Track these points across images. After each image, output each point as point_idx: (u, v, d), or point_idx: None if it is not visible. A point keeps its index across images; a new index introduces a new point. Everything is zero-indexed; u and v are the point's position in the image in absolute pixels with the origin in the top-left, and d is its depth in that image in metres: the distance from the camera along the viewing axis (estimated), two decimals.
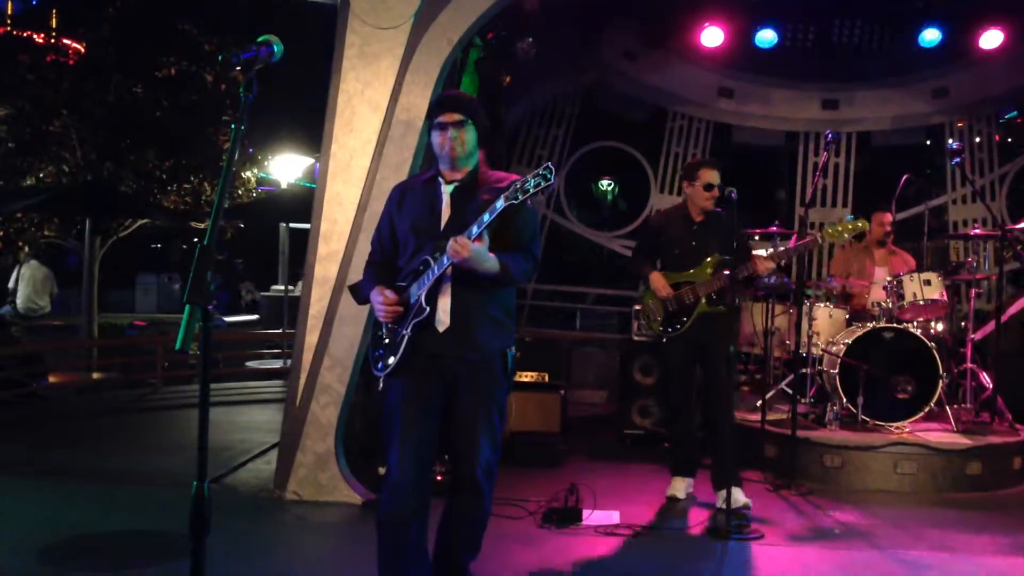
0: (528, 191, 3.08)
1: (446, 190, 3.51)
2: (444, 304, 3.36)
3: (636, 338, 7.52)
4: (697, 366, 5.62)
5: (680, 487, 5.61)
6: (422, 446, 3.35)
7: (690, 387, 5.63)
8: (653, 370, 7.29)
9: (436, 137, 3.46)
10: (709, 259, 5.41)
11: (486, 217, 3.19)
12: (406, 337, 3.35)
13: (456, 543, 3.53)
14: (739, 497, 5.24)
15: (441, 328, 3.35)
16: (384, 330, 3.49)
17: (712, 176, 5.42)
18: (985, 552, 4.77)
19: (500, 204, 3.15)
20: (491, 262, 3.27)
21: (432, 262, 3.34)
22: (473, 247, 3.17)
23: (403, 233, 3.55)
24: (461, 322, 3.36)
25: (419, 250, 3.44)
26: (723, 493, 5.09)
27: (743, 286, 5.78)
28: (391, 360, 3.40)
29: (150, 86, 13.18)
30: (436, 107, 3.52)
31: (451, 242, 3.17)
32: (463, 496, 3.48)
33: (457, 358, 3.36)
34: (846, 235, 5.38)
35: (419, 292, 3.35)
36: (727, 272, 5.22)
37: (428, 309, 3.31)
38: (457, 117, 3.44)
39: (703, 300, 5.38)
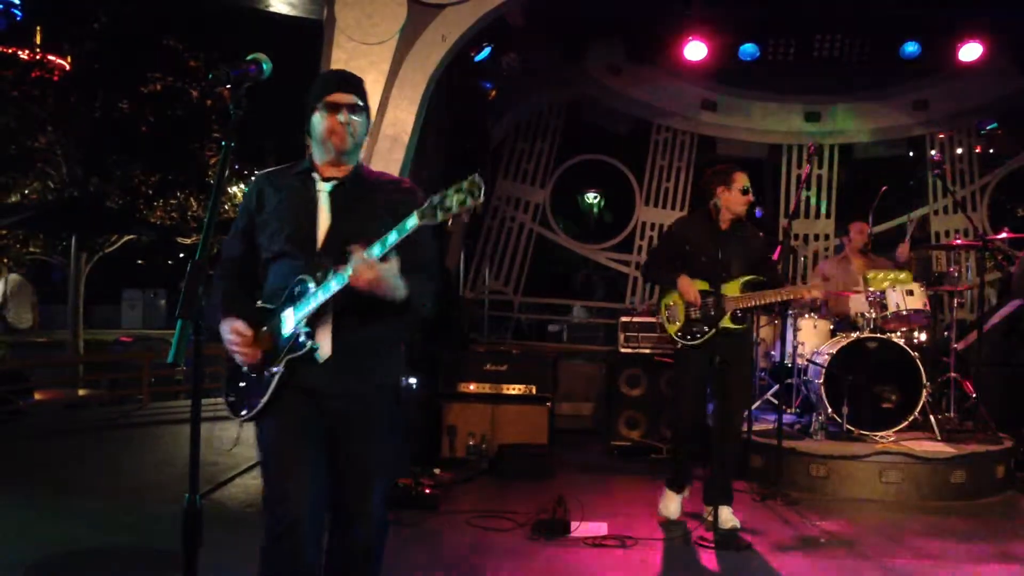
0: (450, 209, 2.47)
1: (323, 188, 2.91)
2: (325, 331, 2.79)
3: (623, 350, 7.56)
4: (711, 384, 5.37)
5: (674, 505, 5.42)
6: (314, 483, 2.78)
7: (702, 402, 5.41)
8: (640, 382, 7.33)
9: (323, 121, 2.86)
10: (744, 277, 5.17)
11: (392, 236, 2.59)
12: (278, 375, 2.77)
13: None
14: (729, 517, 5.15)
15: (321, 359, 2.79)
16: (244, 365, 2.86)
17: (747, 180, 5.20)
18: (969, 560, 4.81)
19: (412, 222, 2.54)
20: (400, 288, 2.70)
21: (313, 284, 2.73)
22: (381, 268, 2.61)
23: (267, 239, 2.92)
24: (345, 351, 2.80)
25: (290, 264, 2.85)
26: (713, 509, 5.02)
27: (776, 307, 5.64)
28: (257, 400, 2.81)
29: (136, 102, 13.19)
30: (325, 84, 2.91)
31: (355, 259, 2.59)
32: (350, 562, 2.90)
33: (341, 394, 2.82)
34: (885, 284, 5.36)
35: (297, 320, 2.75)
36: (776, 292, 5.13)
37: (311, 344, 2.74)
38: (353, 99, 2.89)
39: (728, 315, 5.14)
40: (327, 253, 2.79)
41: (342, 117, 2.85)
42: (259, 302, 2.90)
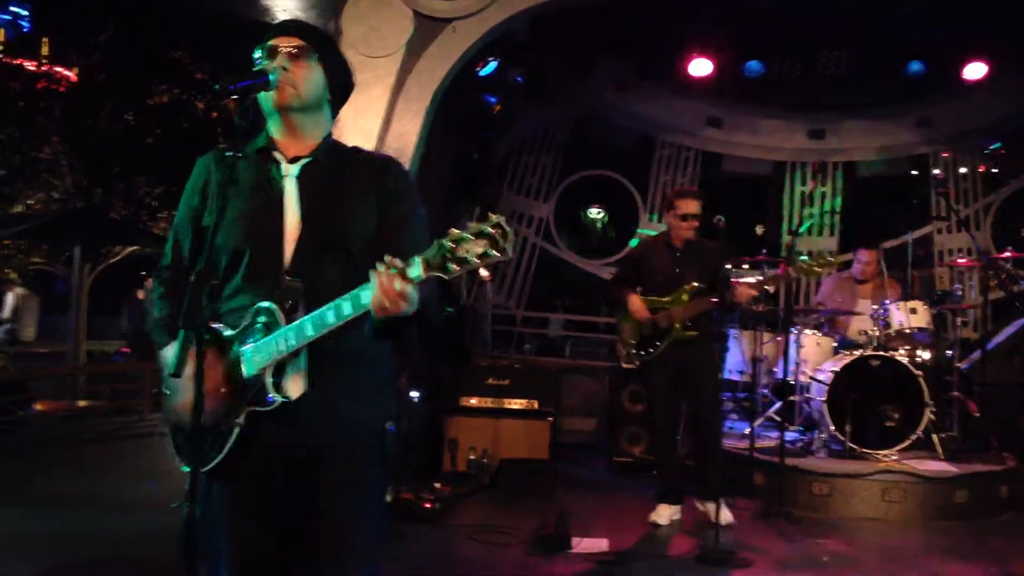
0: (465, 261, 1.89)
1: (289, 172, 2.29)
2: (296, 371, 2.18)
3: (625, 366, 7.53)
4: (681, 392, 5.68)
5: (664, 514, 5.62)
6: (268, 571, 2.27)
7: (673, 412, 5.74)
8: (642, 398, 7.31)
9: None
10: (686, 286, 5.50)
11: (416, 272, 1.95)
12: (237, 429, 2.18)
13: None
14: (724, 512, 5.32)
15: (285, 405, 2.17)
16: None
17: (688, 206, 5.51)
18: None
19: (415, 272, 1.95)
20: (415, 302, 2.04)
21: (280, 317, 2.16)
22: (410, 293, 1.98)
23: (219, 238, 2.20)
24: (320, 391, 2.19)
25: (243, 270, 2.25)
26: (710, 506, 5.28)
27: (723, 313, 5.87)
28: (212, 455, 2.22)
29: (141, 113, 13.24)
30: (267, 32, 2.33)
31: (380, 282, 1.96)
32: None
33: (314, 446, 2.24)
34: (817, 269, 5.56)
35: (261, 364, 2.16)
36: (714, 299, 5.31)
37: (280, 399, 2.16)
38: (294, 41, 2.28)
39: (677, 325, 5.47)
40: (297, 268, 2.21)
41: (277, 62, 2.25)
42: (212, 323, 2.25)
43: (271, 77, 2.18)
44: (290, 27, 2.34)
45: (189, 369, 2.00)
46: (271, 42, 2.28)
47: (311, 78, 2.29)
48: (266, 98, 2.26)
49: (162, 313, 2.39)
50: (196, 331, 1.95)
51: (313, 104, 2.31)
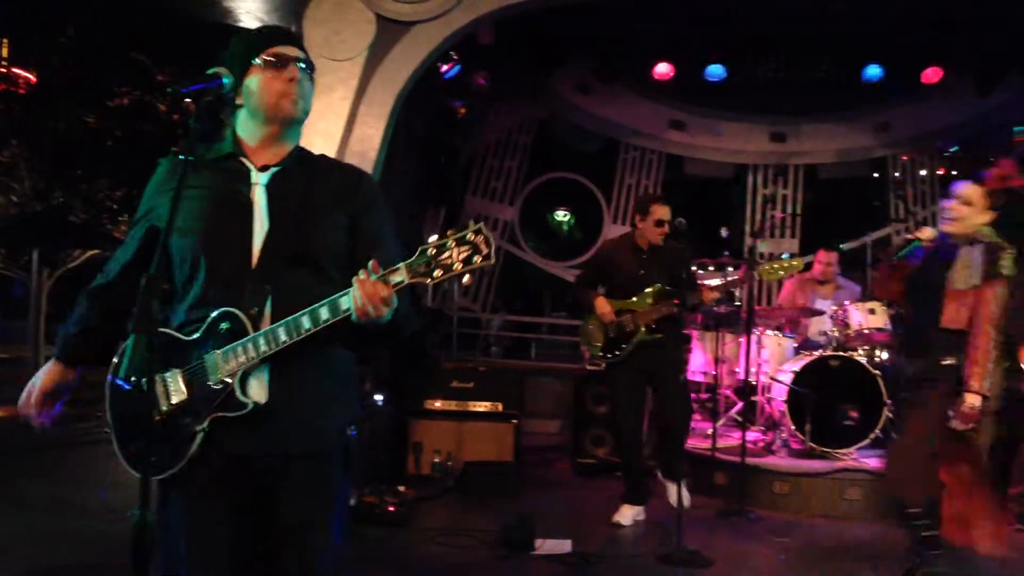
0: (450, 268, 1.97)
1: (258, 181, 2.24)
2: (259, 378, 2.16)
3: (590, 367, 7.58)
4: (647, 394, 5.72)
5: (627, 514, 5.65)
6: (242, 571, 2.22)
7: (638, 415, 5.75)
8: (606, 400, 7.35)
9: (268, 81, 2.20)
10: (651, 288, 5.54)
11: (400, 277, 2.01)
12: (201, 434, 2.13)
13: None
14: (685, 494, 5.47)
15: (252, 411, 2.13)
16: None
17: (663, 212, 5.55)
18: None
19: (398, 277, 2.01)
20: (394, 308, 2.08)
21: (246, 322, 2.12)
22: (392, 299, 2.03)
23: (178, 253, 2.22)
24: (284, 401, 2.17)
25: (208, 278, 2.19)
26: (671, 485, 5.46)
27: (688, 313, 5.92)
28: (170, 463, 2.16)
29: (102, 115, 13.08)
30: (263, 37, 2.25)
31: (364, 287, 1.99)
32: None
33: (278, 456, 2.19)
34: (781, 272, 5.67)
35: (228, 370, 2.12)
36: (676, 302, 5.36)
37: (251, 404, 2.12)
38: (301, 55, 2.25)
39: (642, 328, 5.51)
40: (263, 275, 2.17)
41: (290, 73, 2.20)
42: (167, 328, 2.21)
43: (224, 80, 2.17)
44: (290, 37, 2.31)
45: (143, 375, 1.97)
46: (274, 50, 2.22)
47: (311, 92, 2.30)
48: (264, 108, 2.21)
49: (72, 328, 2.36)
50: (148, 336, 1.93)
51: (304, 118, 2.30)
